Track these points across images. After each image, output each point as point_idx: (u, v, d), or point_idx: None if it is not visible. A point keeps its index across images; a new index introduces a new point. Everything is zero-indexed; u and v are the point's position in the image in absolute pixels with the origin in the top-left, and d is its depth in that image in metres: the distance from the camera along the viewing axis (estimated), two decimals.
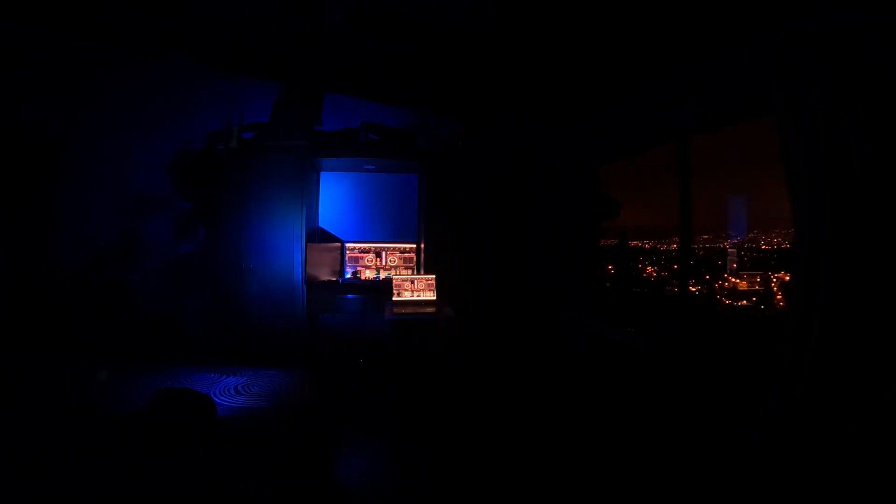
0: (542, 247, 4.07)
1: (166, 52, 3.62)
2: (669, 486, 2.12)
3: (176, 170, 3.85)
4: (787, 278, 2.08)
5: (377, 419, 2.93)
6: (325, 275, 3.97)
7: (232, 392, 2.00)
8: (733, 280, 2.88)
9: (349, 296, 3.78)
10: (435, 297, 3.70)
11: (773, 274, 2.69)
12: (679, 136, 2.98)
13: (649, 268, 3.61)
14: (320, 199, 4.26)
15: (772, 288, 2.70)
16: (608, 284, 3.96)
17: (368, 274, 4.08)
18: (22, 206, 2.95)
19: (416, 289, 3.71)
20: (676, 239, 3.12)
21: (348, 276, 4.07)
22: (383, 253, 4.12)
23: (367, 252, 4.12)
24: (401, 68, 3.57)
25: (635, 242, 3.77)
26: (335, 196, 4.32)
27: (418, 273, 3.96)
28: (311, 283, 3.75)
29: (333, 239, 4.25)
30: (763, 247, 2.82)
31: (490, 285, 3.90)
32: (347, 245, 4.13)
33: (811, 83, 1.85)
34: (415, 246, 4.13)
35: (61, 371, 2.09)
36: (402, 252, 4.13)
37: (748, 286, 2.81)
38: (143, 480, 1.24)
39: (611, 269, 4.00)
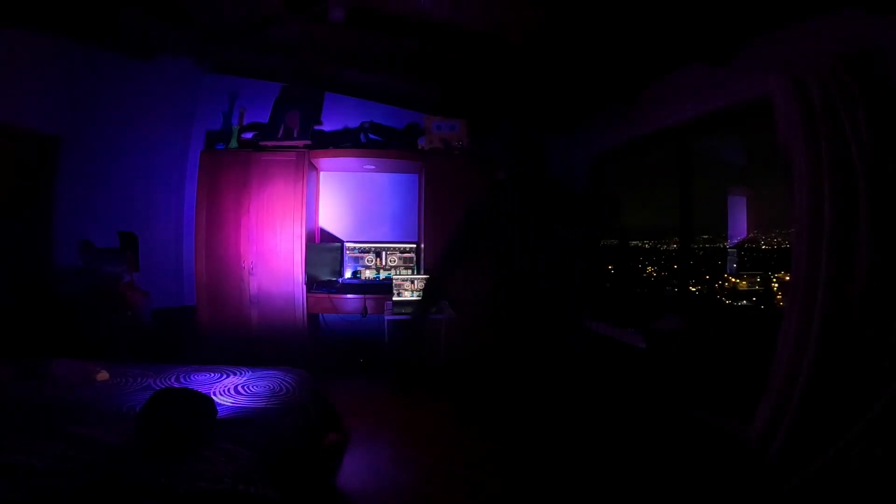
0: (543, 247, 4.07)
1: (166, 52, 3.62)
2: (667, 486, 2.13)
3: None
4: (788, 278, 2.08)
5: (377, 419, 2.93)
6: (325, 275, 3.97)
7: (232, 392, 2.00)
8: (733, 280, 2.88)
9: (349, 296, 3.78)
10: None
11: (773, 274, 2.68)
12: (679, 137, 2.98)
13: (649, 268, 3.61)
14: (320, 199, 4.27)
15: (772, 288, 2.69)
16: (608, 284, 3.96)
17: (368, 274, 4.08)
18: (22, 206, 2.96)
19: (416, 289, 3.71)
20: (676, 239, 3.12)
21: (348, 276, 4.07)
22: (383, 253, 4.12)
23: (367, 252, 4.12)
24: (401, 68, 3.56)
25: (635, 242, 3.77)
26: (335, 196, 4.32)
27: (418, 273, 3.96)
28: (311, 283, 3.75)
29: (333, 239, 4.25)
30: (763, 247, 2.81)
31: (490, 285, 3.91)
32: (347, 245, 4.12)
33: (812, 84, 1.86)
34: (415, 246, 4.13)
35: (60, 371, 2.09)
36: (402, 252, 4.13)
37: (748, 286, 2.80)
38: (142, 480, 1.24)
39: (610, 269, 4.00)
